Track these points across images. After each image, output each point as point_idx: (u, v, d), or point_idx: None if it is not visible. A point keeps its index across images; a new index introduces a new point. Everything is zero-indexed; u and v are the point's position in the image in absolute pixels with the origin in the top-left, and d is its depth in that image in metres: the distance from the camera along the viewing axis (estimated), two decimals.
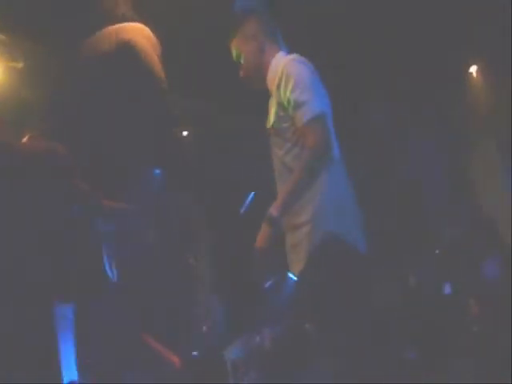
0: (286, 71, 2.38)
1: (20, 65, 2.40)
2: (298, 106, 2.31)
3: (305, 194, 2.28)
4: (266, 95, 2.53)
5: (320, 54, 2.85)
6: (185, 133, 4.13)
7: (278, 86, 2.38)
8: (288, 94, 2.33)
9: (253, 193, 2.28)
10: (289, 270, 2.39)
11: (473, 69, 5.55)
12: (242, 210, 2.89)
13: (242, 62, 2.57)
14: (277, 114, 2.40)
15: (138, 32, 2.40)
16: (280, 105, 2.38)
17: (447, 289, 4.93)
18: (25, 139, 2.27)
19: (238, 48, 2.59)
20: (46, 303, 2.00)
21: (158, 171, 2.34)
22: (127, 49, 2.34)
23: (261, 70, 2.53)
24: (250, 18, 2.60)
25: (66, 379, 1.95)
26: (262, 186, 2.58)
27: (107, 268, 2.02)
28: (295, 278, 2.33)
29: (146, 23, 2.44)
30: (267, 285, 2.40)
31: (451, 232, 5.30)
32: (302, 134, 2.32)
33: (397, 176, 5.74)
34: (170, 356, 2.24)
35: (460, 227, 5.29)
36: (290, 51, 2.56)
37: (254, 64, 2.55)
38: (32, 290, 1.96)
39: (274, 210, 2.25)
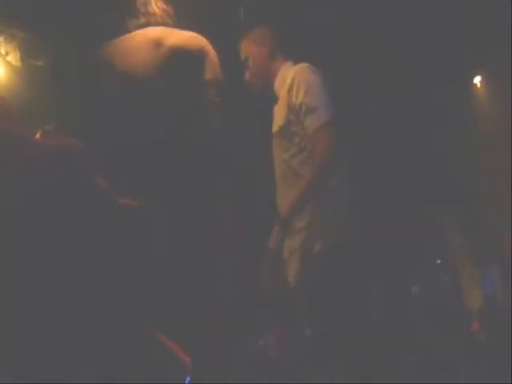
0: (298, 77, 2.43)
1: (40, 62, 2.43)
2: (309, 110, 2.36)
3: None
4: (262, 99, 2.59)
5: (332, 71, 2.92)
6: None
7: (290, 91, 2.42)
8: (300, 98, 2.38)
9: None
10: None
11: (477, 79, 5.59)
12: None
13: (249, 64, 2.60)
14: (287, 117, 2.43)
15: (204, 41, 2.44)
16: (290, 109, 2.42)
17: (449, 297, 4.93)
18: (38, 134, 2.28)
19: (247, 50, 2.62)
20: None
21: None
22: (201, 57, 2.40)
23: (267, 75, 2.57)
24: (263, 23, 2.67)
25: None
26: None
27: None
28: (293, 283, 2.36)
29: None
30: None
31: (452, 241, 5.31)
32: (312, 139, 2.36)
33: (399, 183, 5.75)
34: (182, 355, 2.24)
35: (462, 236, 5.30)
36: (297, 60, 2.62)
37: (261, 69, 2.59)
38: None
39: (285, 212, 2.30)
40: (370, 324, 2.59)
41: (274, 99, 2.56)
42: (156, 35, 2.39)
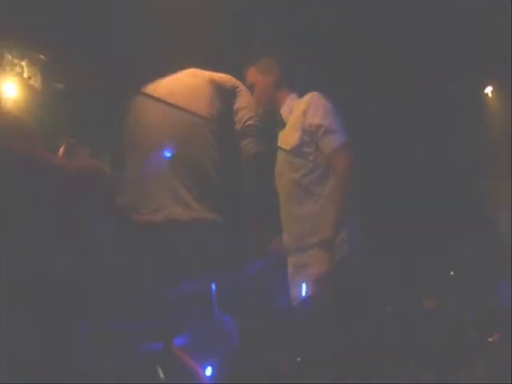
0: (314, 102, 2.56)
1: (61, 86, 2.44)
2: (328, 132, 2.48)
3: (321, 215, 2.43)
4: None
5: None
6: None
7: (305, 114, 2.52)
8: (318, 120, 2.49)
9: None
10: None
11: (488, 90, 5.58)
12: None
13: (254, 91, 2.67)
14: (301, 138, 2.51)
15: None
16: (305, 131, 2.51)
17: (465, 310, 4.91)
18: (62, 147, 2.28)
19: (253, 78, 2.71)
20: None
21: None
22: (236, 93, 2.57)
23: (272, 104, 2.66)
24: (271, 53, 2.76)
25: None
26: None
27: None
28: (302, 298, 2.39)
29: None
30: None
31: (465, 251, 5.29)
32: (329, 159, 2.46)
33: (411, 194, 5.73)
34: (196, 368, 2.24)
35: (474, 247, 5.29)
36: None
37: (266, 98, 2.67)
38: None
39: (328, 234, 2.36)
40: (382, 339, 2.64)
41: (279, 124, 2.66)
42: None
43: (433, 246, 5.58)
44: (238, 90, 2.59)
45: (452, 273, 5.29)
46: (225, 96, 2.53)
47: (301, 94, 2.68)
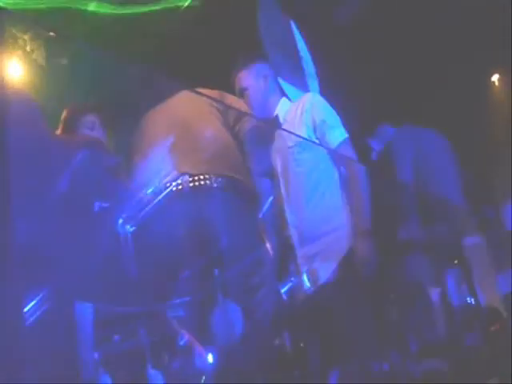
0: (315, 100, 2.69)
1: (64, 61, 2.41)
2: (331, 127, 2.62)
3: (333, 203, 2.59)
4: None
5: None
6: None
7: (308, 111, 2.64)
8: (321, 116, 2.62)
9: None
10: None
11: (494, 77, 5.51)
12: None
13: (246, 94, 2.73)
14: (305, 134, 2.62)
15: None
16: (309, 127, 2.63)
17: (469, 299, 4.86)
18: (63, 119, 2.24)
19: (244, 82, 2.74)
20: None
21: None
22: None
23: (265, 109, 2.72)
24: (264, 60, 2.89)
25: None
26: None
27: None
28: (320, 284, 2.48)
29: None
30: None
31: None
32: (335, 152, 2.58)
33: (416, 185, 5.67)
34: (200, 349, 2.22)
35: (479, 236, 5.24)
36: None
37: (259, 102, 2.73)
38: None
39: (367, 225, 2.49)
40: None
41: (273, 125, 2.76)
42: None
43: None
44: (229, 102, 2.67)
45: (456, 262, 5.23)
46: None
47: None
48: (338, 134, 2.61)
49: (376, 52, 4.99)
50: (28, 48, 2.33)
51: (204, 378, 2.16)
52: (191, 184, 2.25)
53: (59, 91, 2.41)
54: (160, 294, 2.24)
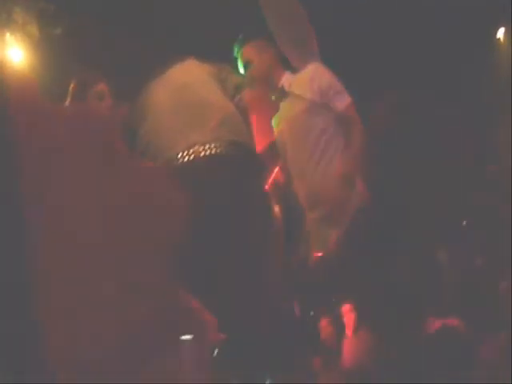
0: (319, 69, 2.82)
1: (58, 31, 2.33)
2: (338, 92, 2.76)
3: None
4: None
5: None
6: None
7: (314, 79, 2.77)
8: (327, 83, 2.76)
9: None
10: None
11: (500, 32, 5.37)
12: None
13: (250, 68, 2.80)
14: (312, 100, 2.72)
15: None
16: (315, 93, 2.72)
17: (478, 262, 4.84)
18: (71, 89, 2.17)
19: (248, 56, 2.77)
20: None
21: None
22: None
23: (268, 81, 2.79)
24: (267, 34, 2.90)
25: None
26: None
27: None
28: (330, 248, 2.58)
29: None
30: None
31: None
32: (341, 116, 2.71)
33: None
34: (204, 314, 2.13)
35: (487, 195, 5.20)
36: None
37: (264, 74, 2.81)
38: None
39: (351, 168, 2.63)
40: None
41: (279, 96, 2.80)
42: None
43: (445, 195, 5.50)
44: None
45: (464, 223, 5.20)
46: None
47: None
48: (344, 98, 2.75)
49: (376, 11, 4.90)
50: (20, 21, 2.25)
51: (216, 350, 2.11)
52: (202, 153, 2.18)
53: (58, 65, 2.33)
54: None
